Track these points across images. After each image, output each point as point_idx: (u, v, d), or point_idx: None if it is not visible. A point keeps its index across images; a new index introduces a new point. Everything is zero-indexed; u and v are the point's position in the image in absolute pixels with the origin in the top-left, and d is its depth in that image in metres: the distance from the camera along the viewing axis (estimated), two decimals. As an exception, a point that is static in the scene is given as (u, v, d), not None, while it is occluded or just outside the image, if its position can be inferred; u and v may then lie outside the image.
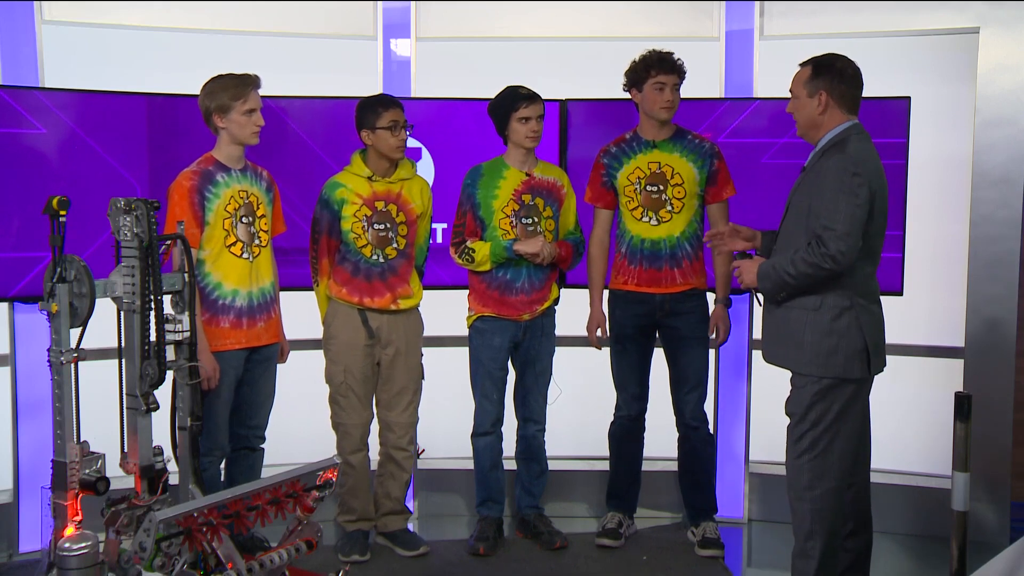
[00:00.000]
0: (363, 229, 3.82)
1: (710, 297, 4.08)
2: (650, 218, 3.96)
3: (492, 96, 4.03)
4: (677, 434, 4.16)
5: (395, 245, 3.85)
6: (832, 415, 3.16)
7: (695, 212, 3.99)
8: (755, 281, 3.26)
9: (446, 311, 4.18)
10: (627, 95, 4.03)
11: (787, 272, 3.14)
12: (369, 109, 3.80)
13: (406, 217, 3.88)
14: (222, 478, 3.79)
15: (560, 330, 4.15)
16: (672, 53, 3.92)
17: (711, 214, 4.03)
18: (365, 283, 3.85)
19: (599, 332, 4.09)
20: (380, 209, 3.83)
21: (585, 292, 4.18)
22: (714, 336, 4.04)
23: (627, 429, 4.15)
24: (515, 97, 3.90)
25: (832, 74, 3.20)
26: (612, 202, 4.05)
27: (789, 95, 3.31)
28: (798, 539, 3.25)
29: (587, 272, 4.11)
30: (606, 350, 4.14)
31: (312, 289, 4.01)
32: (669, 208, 3.94)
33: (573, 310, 4.19)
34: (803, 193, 3.23)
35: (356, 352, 3.87)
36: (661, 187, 3.94)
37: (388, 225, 3.84)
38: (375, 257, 3.84)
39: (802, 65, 3.29)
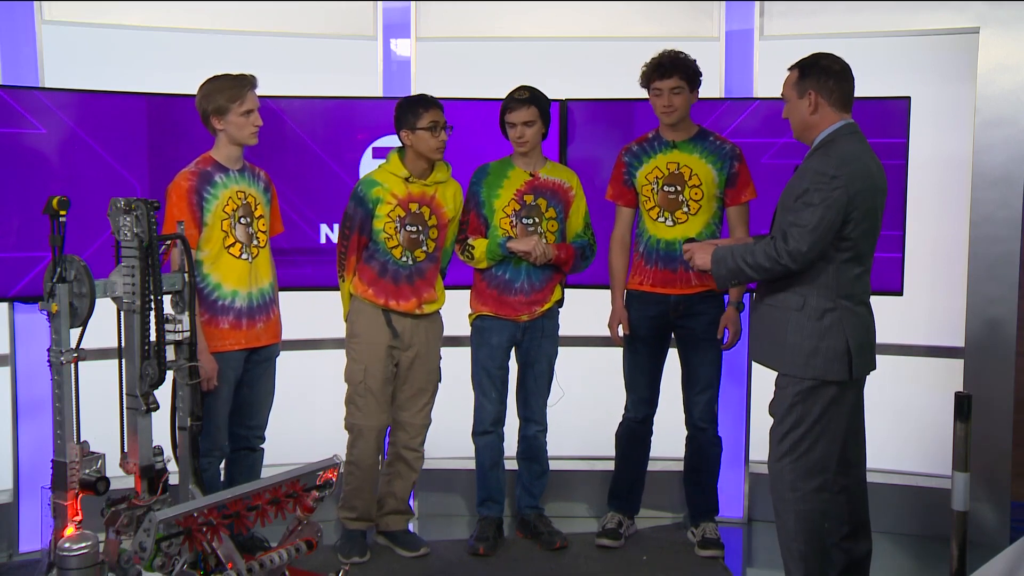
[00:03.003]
0: (395, 230, 3.80)
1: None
2: (666, 219, 3.94)
3: (492, 96, 4.03)
4: (686, 433, 4.15)
5: (424, 248, 3.84)
6: (813, 417, 3.15)
7: (713, 214, 3.96)
8: (707, 264, 3.28)
9: (450, 312, 4.18)
10: (627, 95, 4.03)
11: (744, 261, 3.17)
12: (409, 109, 3.77)
13: (438, 220, 3.86)
14: (221, 478, 3.79)
15: (563, 330, 4.15)
16: (678, 55, 3.87)
17: (730, 217, 3.99)
18: (392, 285, 3.83)
19: (620, 330, 4.06)
20: (414, 211, 3.82)
21: (587, 292, 4.18)
22: (723, 339, 4.00)
23: (633, 431, 4.14)
24: (507, 100, 3.90)
25: (817, 72, 3.18)
26: (633, 200, 4.03)
27: (784, 102, 3.30)
28: (783, 541, 3.25)
29: (608, 269, 4.10)
30: (618, 350, 4.13)
31: (310, 289, 4.01)
32: (685, 209, 3.92)
33: (576, 310, 4.18)
34: (791, 194, 3.20)
35: (378, 352, 3.85)
36: (678, 188, 3.92)
37: (420, 228, 3.83)
38: (404, 259, 3.83)
39: (790, 69, 3.28)
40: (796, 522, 3.18)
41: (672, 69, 3.84)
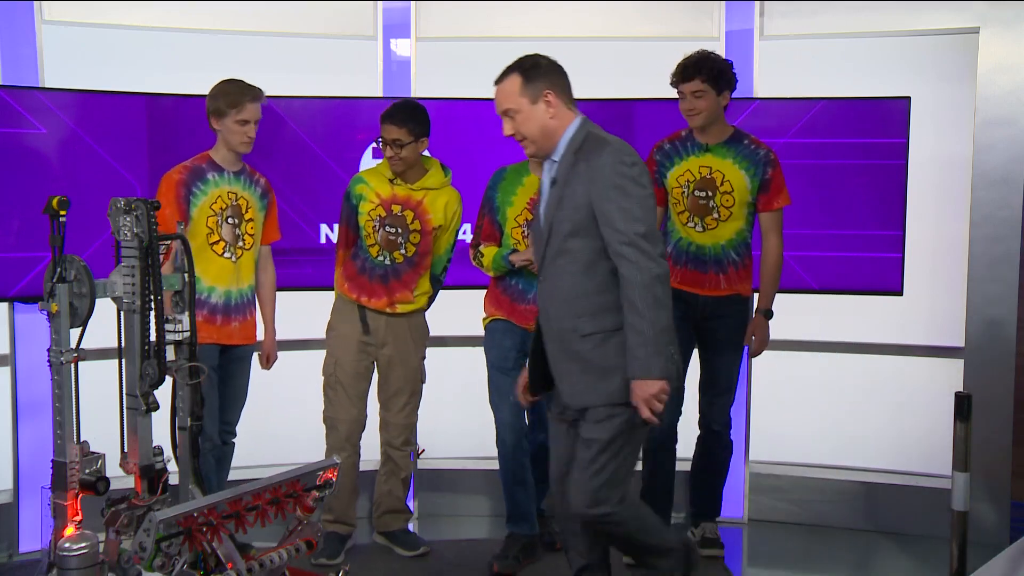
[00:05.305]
0: (374, 229, 3.82)
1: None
2: (696, 224, 3.83)
3: (491, 97, 4.00)
4: (698, 432, 4.07)
5: (403, 251, 3.84)
6: (631, 441, 2.94)
7: (744, 220, 3.84)
8: (650, 373, 2.78)
9: (449, 312, 4.18)
10: (627, 95, 4.00)
11: (641, 318, 2.75)
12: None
13: (421, 226, 3.85)
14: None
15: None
16: (704, 57, 3.75)
17: (762, 224, 3.87)
18: (367, 282, 3.86)
19: None
20: (396, 213, 3.82)
21: None
22: (750, 346, 3.90)
23: (660, 441, 3.94)
24: None
25: (544, 70, 2.90)
26: (663, 199, 3.91)
27: (512, 116, 2.94)
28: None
29: None
30: None
31: (310, 289, 4.03)
32: (716, 216, 3.81)
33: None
34: (571, 207, 2.85)
35: (349, 346, 3.87)
36: (709, 193, 3.80)
37: (399, 230, 3.82)
38: (380, 258, 3.84)
39: (499, 81, 2.96)
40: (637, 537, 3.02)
41: (694, 71, 3.72)
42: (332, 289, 4.01)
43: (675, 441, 4.03)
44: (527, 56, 2.95)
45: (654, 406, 2.81)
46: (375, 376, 3.98)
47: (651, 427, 3.76)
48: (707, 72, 3.73)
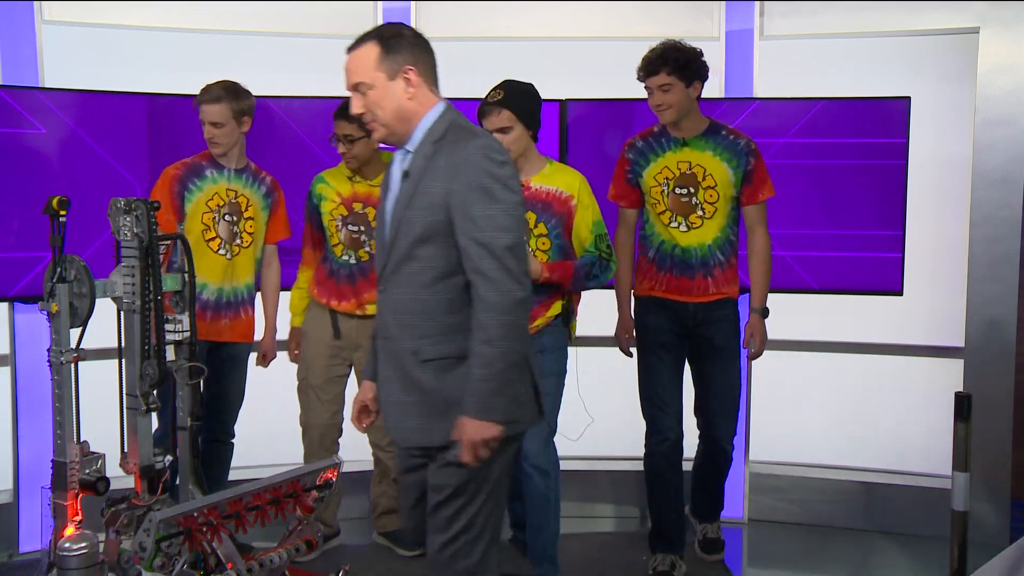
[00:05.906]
0: (337, 228, 3.80)
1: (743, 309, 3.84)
2: (679, 224, 3.63)
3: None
4: (697, 441, 3.92)
5: (368, 249, 3.81)
6: (497, 478, 2.46)
7: (728, 216, 3.65)
8: (487, 416, 2.31)
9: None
10: (627, 95, 3.99)
11: (495, 353, 2.30)
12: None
13: None
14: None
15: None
16: (668, 48, 3.54)
17: (747, 218, 3.69)
18: (335, 285, 3.83)
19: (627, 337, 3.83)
20: (357, 211, 3.80)
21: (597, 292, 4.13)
22: (749, 348, 3.75)
23: (670, 459, 3.73)
24: (481, 103, 3.45)
25: (408, 43, 2.42)
26: (638, 200, 3.73)
27: (363, 92, 2.42)
28: None
29: (614, 275, 3.78)
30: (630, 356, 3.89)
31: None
32: (700, 213, 3.61)
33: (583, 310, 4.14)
34: (424, 206, 2.38)
35: (320, 350, 3.86)
36: (691, 189, 3.61)
37: (362, 228, 3.80)
38: (345, 258, 3.81)
39: (352, 49, 2.44)
40: None
41: (659, 64, 3.51)
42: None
43: (681, 456, 3.78)
44: (389, 25, 2.51)
45: (480, 453, 2.33)
46: (352, 379, 3.95)
47: (655, 449, 3.72)
48: (672, 64, 3.51)
